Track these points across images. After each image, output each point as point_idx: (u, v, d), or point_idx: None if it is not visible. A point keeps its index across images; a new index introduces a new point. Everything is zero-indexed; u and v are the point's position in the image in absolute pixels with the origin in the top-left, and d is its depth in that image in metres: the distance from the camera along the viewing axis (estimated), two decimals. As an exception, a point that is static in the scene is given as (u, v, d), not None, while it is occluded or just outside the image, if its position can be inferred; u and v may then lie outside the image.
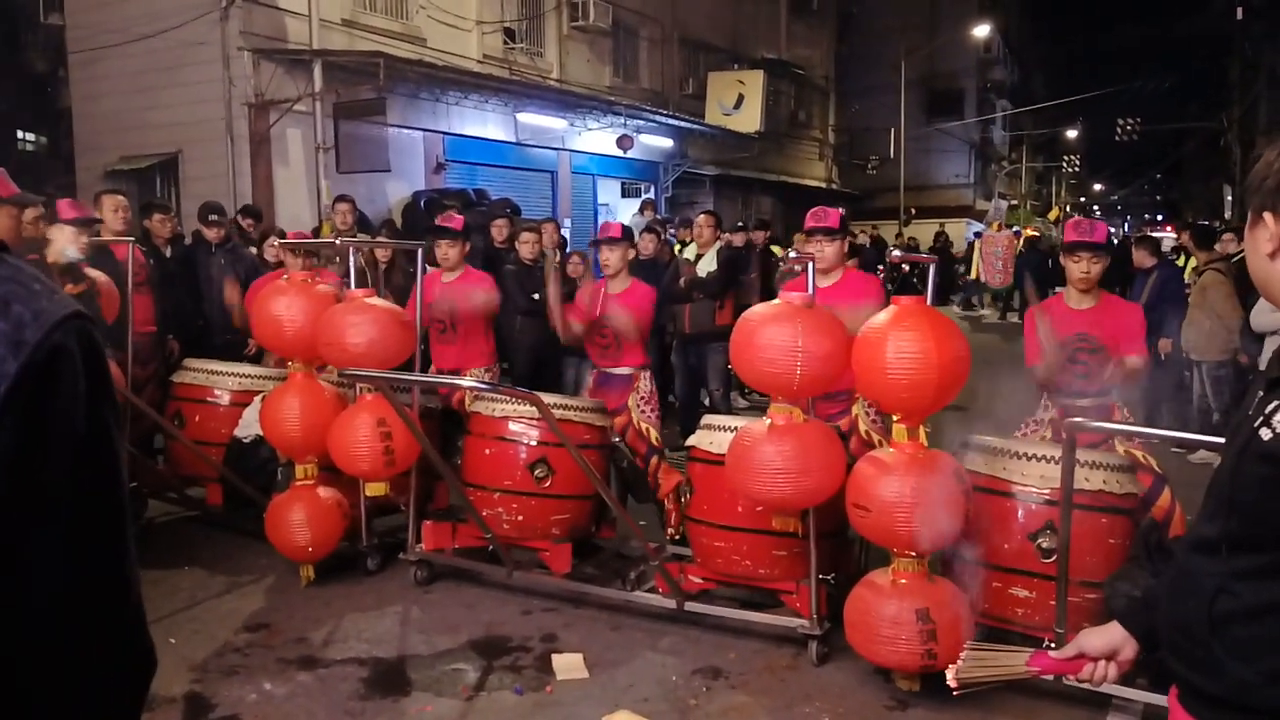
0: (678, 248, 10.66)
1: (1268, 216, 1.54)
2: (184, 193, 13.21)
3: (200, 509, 6.71)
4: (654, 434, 5.75)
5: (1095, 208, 64.20)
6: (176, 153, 13.48)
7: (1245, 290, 8.32)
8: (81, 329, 1.01)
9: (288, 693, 4.34)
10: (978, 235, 24.60)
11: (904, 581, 4.09)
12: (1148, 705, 4.02)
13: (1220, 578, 1.59)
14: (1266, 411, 1.55)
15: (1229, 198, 35.03)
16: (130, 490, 5.53)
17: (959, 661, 2.00)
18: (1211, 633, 1.58)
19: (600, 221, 19.36)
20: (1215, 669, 1.58)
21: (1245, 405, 1.68)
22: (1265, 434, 1.53)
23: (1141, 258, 9.76)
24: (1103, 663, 1.91)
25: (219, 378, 6.61)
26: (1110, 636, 1.91)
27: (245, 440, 6.12)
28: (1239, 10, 30.34)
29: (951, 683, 1.99)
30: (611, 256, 5.90)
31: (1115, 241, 18.71)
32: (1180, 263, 11.11)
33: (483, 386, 5.35)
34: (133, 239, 6.77)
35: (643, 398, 5.84)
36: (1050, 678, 1.98)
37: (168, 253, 7.78)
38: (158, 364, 7.12)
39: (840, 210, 5.43)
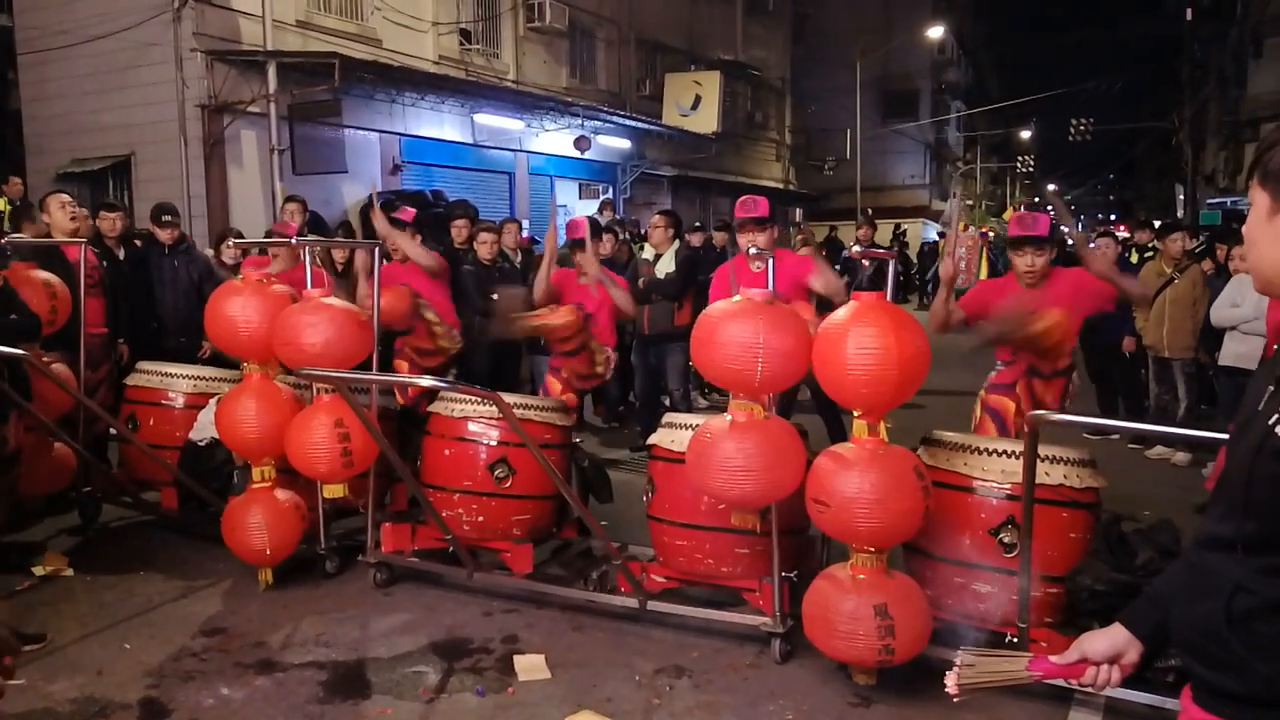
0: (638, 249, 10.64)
1: None
2: (137, 195, 13.08)
3: (155, 513, 6.61)
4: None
5: (1049, 207, 64.83)
6: (129, 155, 13.34)
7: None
8: None
9: (245, 697, 4.28)
10: (941, 235, 24.76)
11: (862, 577, 4.09)
12: (1110, 699, 4.05)
13: (1237, 576, 1.56)
14: None
15: (1180, 197, 35.52)
16: (84, 494, 5.41)
17: (957, 669, 1.96)
18: (1231, 631, 1.55)
19: (564, 220, 19.36)
20: (1238, 667, 1.55)
21: (1251, 402, 1.65)
22: None
23: (1106, 249, 9.86)
24: (1105, 667, 1.87)
25: (173, 380, 6.51)
26: (1113, 639, 1.87)
27: (200, 443, 6.04)
28: (1189, 11, 30.80)
29: (951, 690, 1.95)
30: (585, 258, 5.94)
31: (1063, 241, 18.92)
32: (1134, 259, 11.24)
33: (444, 385, 5.31)
34: (84, 240, 6.68)
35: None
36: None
37: (120, 253, 7.67)
38: (109, 366, 7.03)
39: (768, 199, 5.49)
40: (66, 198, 7.08)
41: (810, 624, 4.19)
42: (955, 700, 1.96)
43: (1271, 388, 1.60)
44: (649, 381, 9.02)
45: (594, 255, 5.96)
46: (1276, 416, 1.53)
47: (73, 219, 6.94)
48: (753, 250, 4.84)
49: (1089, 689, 1.91)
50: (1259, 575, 1.53)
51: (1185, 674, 1.71)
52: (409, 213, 6.45)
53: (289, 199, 9.56)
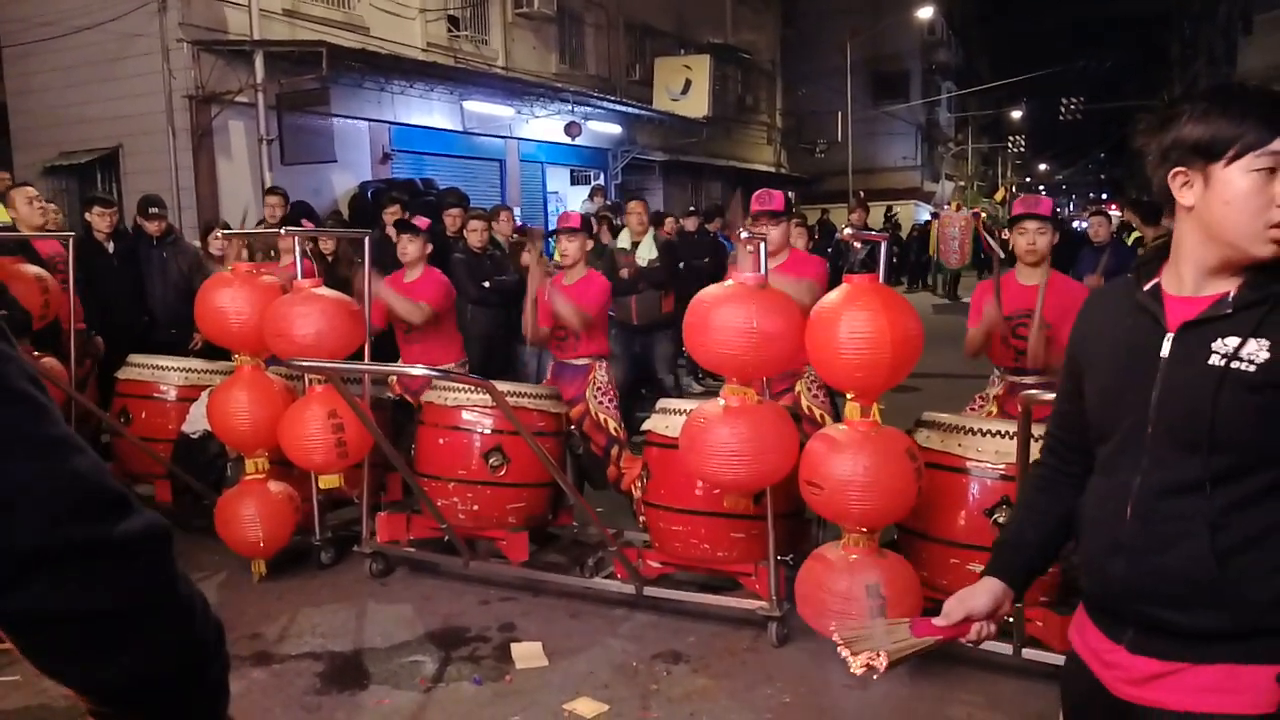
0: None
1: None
2: (125, 188, 13.00)
3: (148, 506, 6.58)
4: (612, 424, 5.70)
5: (1041, 187, 64.89)
6: (117, 147, 13.26)
7: None
8: None
9: (242, 689, 4.26)
10: (935, 216, 24.74)
11: (855, 556, 4.09)
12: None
13: (1210, 514, 1.61)
14: (1222, 350, 1.59)
15: (1170, 175, 35.44)
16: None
17: (846, 649, 1.89)
18: (1221, 569, 1.59)
19: (549, 210, 19.35)
20: (1229, 604, 1.60)
21: (1125, 341, 1.73)
22: (1244, 367, 1.57)
23: (1100, 228, 9.87)
24: (985, 622, 1.95)
25: (165, 373, 6.49)
26: (993, 593, 1.95)
27: (193, 436, 6.02)
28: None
29: (881, 665, 1.88)
30: (570, 247, 5.82)
31: (1060, 221, 18.95)
32: (1128, 240, 11.22)
33: (435, 373, 5.29)
34: (70, 235, 6.64)
35: (599, 388, 5.78)
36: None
37: (110, 247, 7.62)
38: (90, 362, 6.98)
39: (784, 193, 5.41)
40: (32, 190, 7.02)
41: (803, 603, 4.19)
42: (871, 676, 1.90)
43: (1173, 335, 1.66)
44: (631, 370, 8.94)
45: (538, 262, 5.90)
46: (1220, 356, 1.59)
47: (43, 215, 6.89)
48: (744, 234, 4.82)
49: (972, 643, 1.98)
50: (1229, 510, 1.60)
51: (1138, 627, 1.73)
52: (424, 222, 6.37)
53: (269, 191, 9.51)
